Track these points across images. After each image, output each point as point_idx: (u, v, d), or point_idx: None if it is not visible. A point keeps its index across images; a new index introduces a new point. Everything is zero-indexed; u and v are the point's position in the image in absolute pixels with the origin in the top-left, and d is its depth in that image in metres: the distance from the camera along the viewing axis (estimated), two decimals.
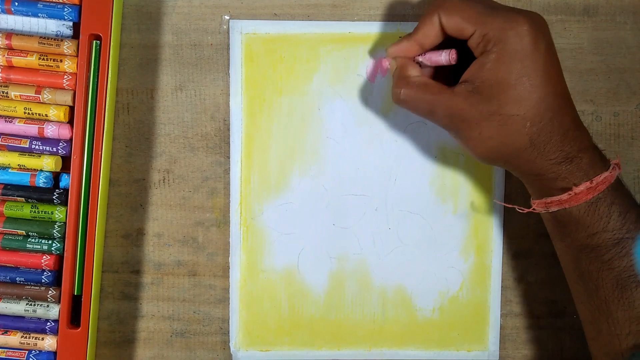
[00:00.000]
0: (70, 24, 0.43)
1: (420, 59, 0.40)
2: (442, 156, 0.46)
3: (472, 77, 0.37)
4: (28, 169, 0.44)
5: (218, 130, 0.46)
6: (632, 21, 0.45)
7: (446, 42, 0.40)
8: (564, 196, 0.38)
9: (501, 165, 0.41)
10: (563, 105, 0.37)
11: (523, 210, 0.41)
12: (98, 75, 0.43)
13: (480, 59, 0.37)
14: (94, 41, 0.43)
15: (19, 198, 0.44)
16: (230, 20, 0.45)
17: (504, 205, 0.44)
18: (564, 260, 0.41)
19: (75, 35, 0.43)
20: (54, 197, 0.44)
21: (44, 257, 0.44)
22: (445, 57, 0.40)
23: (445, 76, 0.41)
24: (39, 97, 0.43)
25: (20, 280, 0.44)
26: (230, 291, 0.46)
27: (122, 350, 0.47)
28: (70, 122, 0.43)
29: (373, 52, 0.45)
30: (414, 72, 0.40)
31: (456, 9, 0.38)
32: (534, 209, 0.40)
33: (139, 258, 0.46)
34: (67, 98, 0.43)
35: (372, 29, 0.45)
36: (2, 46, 0.43)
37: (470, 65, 0.38)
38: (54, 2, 0.42)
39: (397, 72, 0.40)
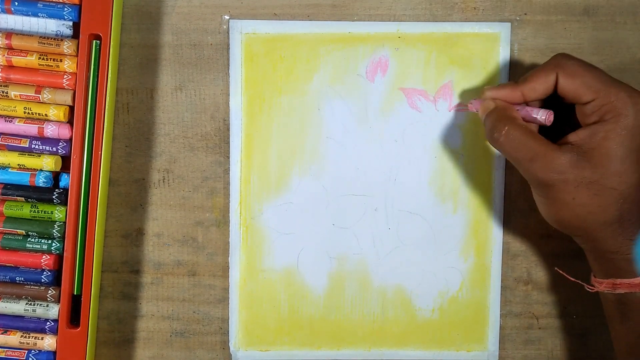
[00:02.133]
0: (70, 23, 0.43)
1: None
2: (442, 156, 0.46)
3: (581, 141, 0.37)
4: (28, 168, 0.44)
5: (218, 130, 0.46)
6: (632, 21, 0.45)
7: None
8: (637, 280, 0.37)
9: (576, 234, 0.40)
10: None
11: (591, 289, 0.40)
12: (98, 75, 0.43)
13: (593, 126, 0.37)
14: (94, 41, 0.43)
15: (18, 198, 0.44)
16: (230, 20, 0.45)
17: (562, 273, 0.43)
18: (620, 343, 0.40)
19: (75, 35, 0.43)
20: (53, 197, 0.44)
21: (44, 256, 0.44)
22: (542, 116, 0.39)
23: None
24: (38, 97, 0.43)
25: (19, 280, 0.44)
26: (229, 291, 0.46)
27: (122, 350, 0.47)
28: (70, 121, 0.43)
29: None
30: (517, 115, 0.39)
31: (579, 73, 0.38)
32: (598, 289, 0.39)
33: (138, 258, 0.46)
34: (67, 98, 0.43)
35: (372, 29, 0.45)
36: (2, 46, 0.43)
37: (580, 129, 0.38)
38: (54, 2, 0.42)
39: (498, 112, 0.39)
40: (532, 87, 0.39)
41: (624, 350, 0.40)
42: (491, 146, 0.45)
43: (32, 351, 0.44)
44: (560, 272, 0.43)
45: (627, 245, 0.37)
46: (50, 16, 0.42)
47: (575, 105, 0.39)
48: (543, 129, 0.40)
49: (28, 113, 0.43)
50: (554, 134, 0.39)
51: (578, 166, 0.37)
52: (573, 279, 0.42)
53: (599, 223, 0.37)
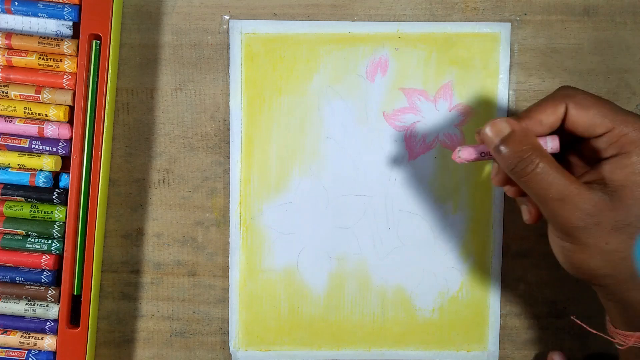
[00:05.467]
0: (70, 23, 0.43)
1: None
2: (442, 156, 0.46)
3: (607, 179, 0.34)
4: (28, 168, 0.44)
5: (218, 130, 0.46)
6: (632, 21, 0.45)
7: None
8: None
9: (603, 282, 0.35)
10: None
11: (622, 346, 0.36)
12: (98, 75, 0.43)
13: (614, 160, 0.34)
14: (94, 41, 0.43)
15: (18, 198, 0.44)
16: (230, 20, 0.45)
17: (581, 324, 0.39)
18: None
19: (75, 35, 0.43)
20: (53, 197, 0.44)
21: (44, 256, 0.44)
22: (551, 145, 0.36)
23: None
24: (38, 97, 0.43)
25: (19, 280, 0.44)
26: (229, 291, 0.46)
27: (122, 350, 0.47)
28: (70, 121, 0.43)
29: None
30: (542, 145, 0.35)
31: (591, 104, 0.34)
32: (628, 343, 0.35)
33: (138, 258, 0.46)
34: (67, 98, 0.43)
35: (372, 29, 0.45)
36: (2, 46, 0.43)
37: (600, 165, 0.35)
38: (54, 2, 0.42)
39: (520, 138, 0.34)
40: (539, 121, 0.35)
41: None
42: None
43: (32, 351, 0.44)
44: (579, 322, 0.39)
45: None
46: (50, 16, 0.42)
47: (580, 139, 0.36)
48: None
49: (28, 113, 0.43)
50: None
51: (612, 208, 0.33)
52: (595, 332, 0.38)
53: (632, 270, 0.34)
